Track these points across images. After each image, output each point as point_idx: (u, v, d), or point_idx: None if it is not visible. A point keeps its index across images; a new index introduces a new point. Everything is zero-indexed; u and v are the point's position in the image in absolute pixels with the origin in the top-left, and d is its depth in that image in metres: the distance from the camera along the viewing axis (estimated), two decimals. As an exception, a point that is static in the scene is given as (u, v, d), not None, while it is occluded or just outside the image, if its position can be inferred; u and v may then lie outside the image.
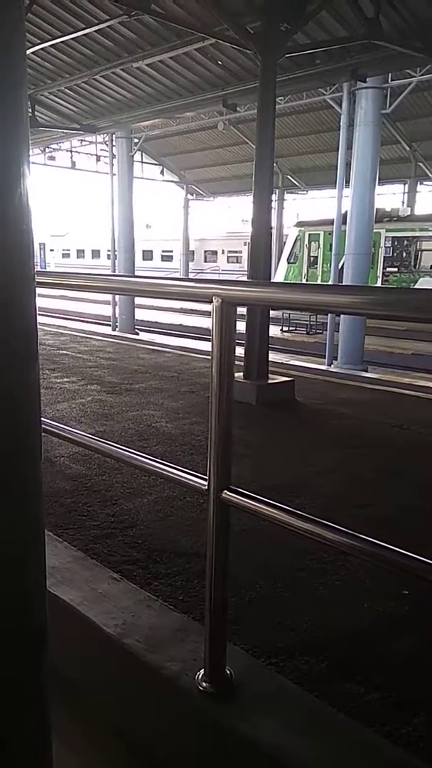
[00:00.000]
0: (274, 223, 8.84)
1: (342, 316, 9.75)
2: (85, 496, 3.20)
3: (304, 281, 21.55)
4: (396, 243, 20.14)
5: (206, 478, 1.55)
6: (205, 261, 31.18)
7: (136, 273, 16.28)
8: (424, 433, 4.69)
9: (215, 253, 31.12)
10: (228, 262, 30.38)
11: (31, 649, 0.92)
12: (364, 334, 11.02)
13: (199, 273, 30.32)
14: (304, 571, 2.45)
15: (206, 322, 15.34)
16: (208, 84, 9.62)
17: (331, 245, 11.69)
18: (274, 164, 7.04)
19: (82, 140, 21.39)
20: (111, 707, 1.90)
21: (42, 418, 0.97)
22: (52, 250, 39.99)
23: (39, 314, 0.90)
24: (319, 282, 20.76)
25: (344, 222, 10.69)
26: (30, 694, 0.92)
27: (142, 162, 24.73)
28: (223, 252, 30.71)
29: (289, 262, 22.65)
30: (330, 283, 14.02)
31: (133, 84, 10.45)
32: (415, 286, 19.02)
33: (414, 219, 20.46)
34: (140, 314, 16.32)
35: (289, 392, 5.85)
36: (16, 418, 0.85)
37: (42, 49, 9.43)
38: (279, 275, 22.24)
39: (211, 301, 1.46)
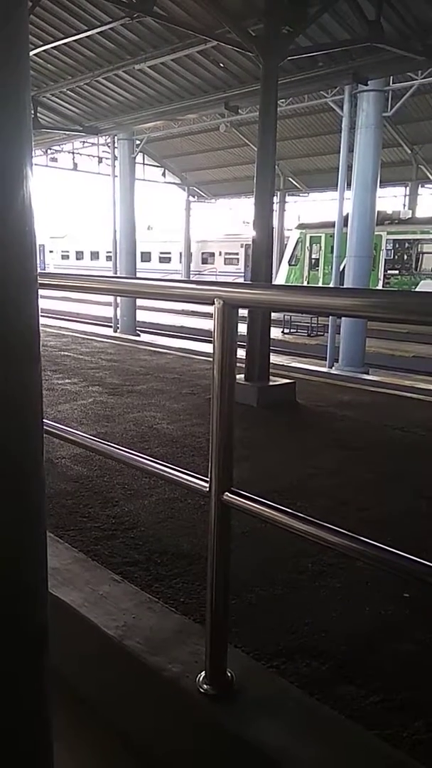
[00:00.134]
0: (275, 225, 8.83)
1: (343, 318, 9.75)
2: (87, 497, 3.20)
3: (305, 284, 21.57)
4: (397, 246, 20.14)
5: (207, 479, 1.54)
6: (203, 263, 31.19)
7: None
8: (425, 435, 4.69)
9: (212, 254, 31.14)
10: (225, 263, 30.41)
11: (32, 650, 0.92)
12: (365, 337, 11.03)
13: (197, 274, 30.35)
14: (305, 573, 2.45)
15: (207, 324, 15.35)
16: (210, 86, 9.65)
17: (332, 248, 11.71)
18: (276, 166, 7.06)
19: (84, 142, 21.44)
20: (112, 709, 1.90)
21: (44, 420, 0.97)
22: (51, 251, 40.04)
23: (41, 315, 0.90)
24: (320, 284, 20.78)
25: (345, 224, 10.70)
26: (31, 694, 0.92)
27: (144, 164, 24.77)
28: (220, 254, 30.72)
29: (290, 265, 22.67)
30: (331, 285, 14.02)
31: (135, 86, 10.47)
32: (417, 289, 19.06)
33: (415, 222, 20.47)
34: (141, 316, 16.33)
35: (290, 394, 5.85)
36: (19, 419, 0.85)
37: (44, 51, 9.47)
38: (280, 278, 22.27)
39: (212, 303, 1.46)
